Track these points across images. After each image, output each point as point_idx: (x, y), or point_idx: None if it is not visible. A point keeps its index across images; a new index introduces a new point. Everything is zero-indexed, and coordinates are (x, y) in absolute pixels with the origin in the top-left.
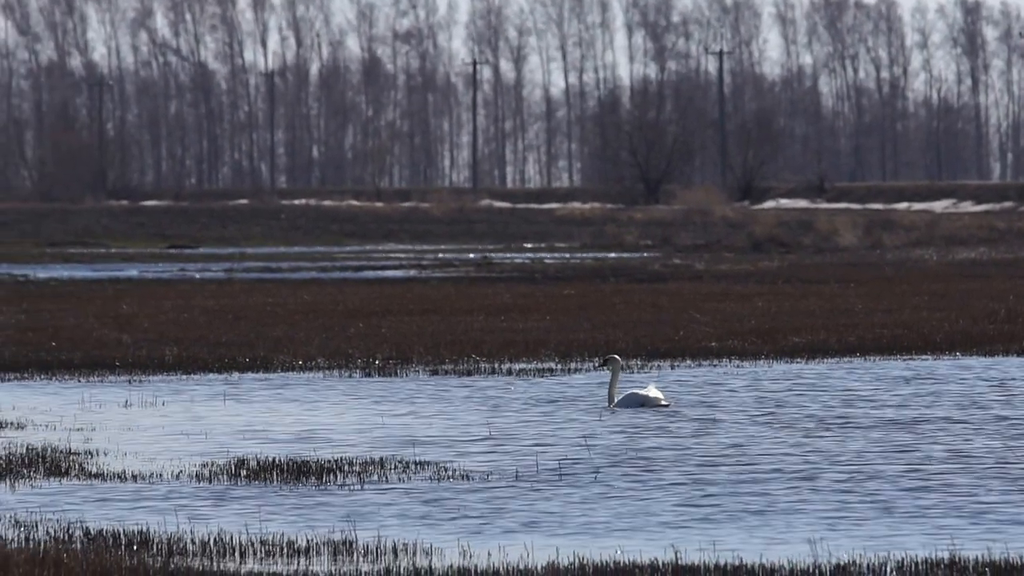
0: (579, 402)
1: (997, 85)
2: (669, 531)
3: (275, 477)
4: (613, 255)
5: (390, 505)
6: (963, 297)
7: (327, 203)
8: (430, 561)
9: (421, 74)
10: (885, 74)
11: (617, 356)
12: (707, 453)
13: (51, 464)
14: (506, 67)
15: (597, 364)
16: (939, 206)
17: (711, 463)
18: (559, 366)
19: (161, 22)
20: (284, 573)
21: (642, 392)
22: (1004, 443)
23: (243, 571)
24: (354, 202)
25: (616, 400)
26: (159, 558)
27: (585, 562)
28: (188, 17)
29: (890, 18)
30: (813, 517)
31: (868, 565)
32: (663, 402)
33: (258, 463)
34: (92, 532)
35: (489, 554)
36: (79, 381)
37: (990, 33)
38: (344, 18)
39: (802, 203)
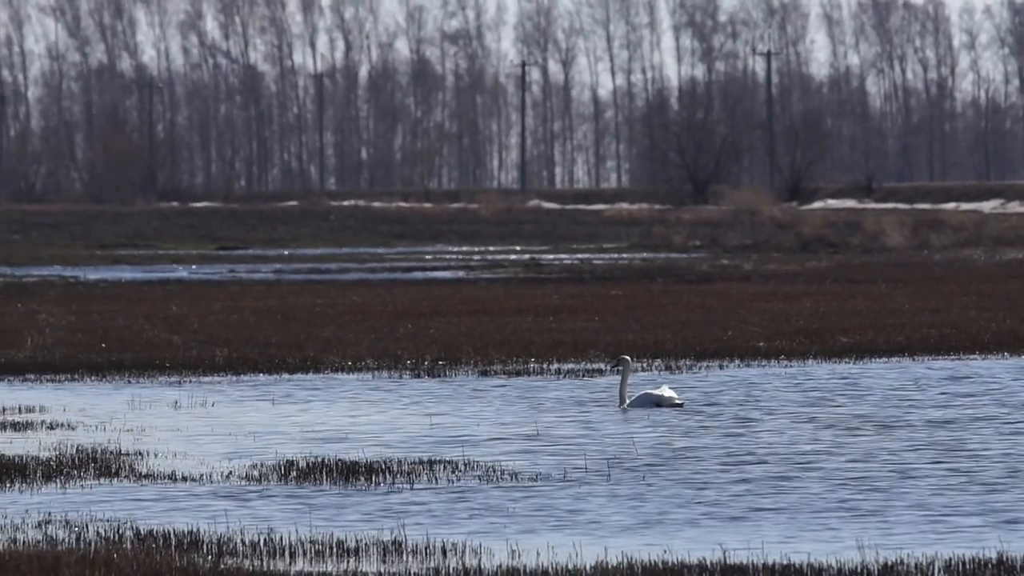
0: (664, 403)
1: None
2: (716, 530)
3: (324, 478)
4: (661, 256)
5: (439, 505)
6: (1011, 297)
7: (376, 204)
8: (479, 560)
9: (469, 75)
10: (933, 74)
11: (628, 357)
12: (752, 452)
13: (101, 465)
14: (554, 68)
15: (611, 366)
16: (987, 206)
17: (756, 462)
18: (608, 367)
19: (211, 24)
20: (334, 573)
21: (656, 392)
22: None
23: (293, 571)
24: (403, 203)
25: (630, 400)
26: (209, 558)
27: (633, 561)
28: (237, 19)
29: (937, 18)
30: (859, 516)
31: (916, 564)
32: (677, 401)
33: (307, 464)
34: (142, 533)
35: (538, 553)
36: (129, 382)
37: None
38: (393, 20)
39: (850, 203)
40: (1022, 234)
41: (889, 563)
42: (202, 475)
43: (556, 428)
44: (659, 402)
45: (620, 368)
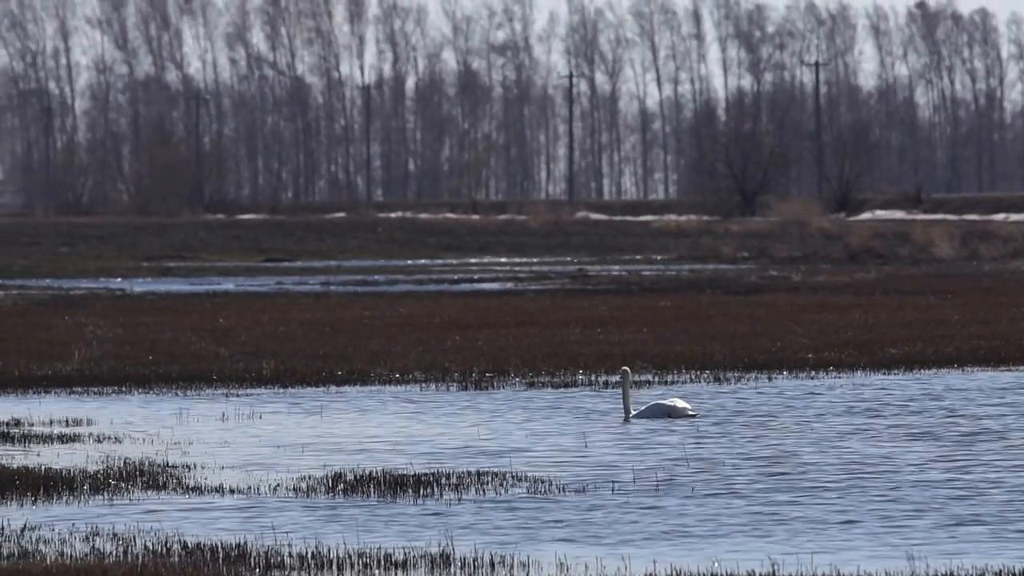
0: (675, 414)
1: None
2: (766, 542)
3: (372, 490)
4: (710, 267)
5: (487, 517)
6: None
7: (423, 216)
8: (527, 573)
9: (517, 86)
10: (981, 85)
11: (627, 368)
12: (802, 463)
13: (149, 478)
14: (601, 79)
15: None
16: None
17: (807, 473)
18: (656, 378)
19: (257, 36)
20: None
21: (667, 403)
22: None
23: None
24: (450, 215)
25: (637, 412)
26: (257, 571)
27: (682, 573)
28: (284, 31)
29: (986, 29)
30: (911, 527)
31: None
32: (690, 412)
33: (355, 476)
34: (190, 546)
35: (586, 566)
36: (176, 394)
37: None
38: (440, 31)
39: (898, 214)
40: None
41: (940, 574)
42: (250, 487)
43: (604, 440)
44: (670, 413)
45: (620, 380)
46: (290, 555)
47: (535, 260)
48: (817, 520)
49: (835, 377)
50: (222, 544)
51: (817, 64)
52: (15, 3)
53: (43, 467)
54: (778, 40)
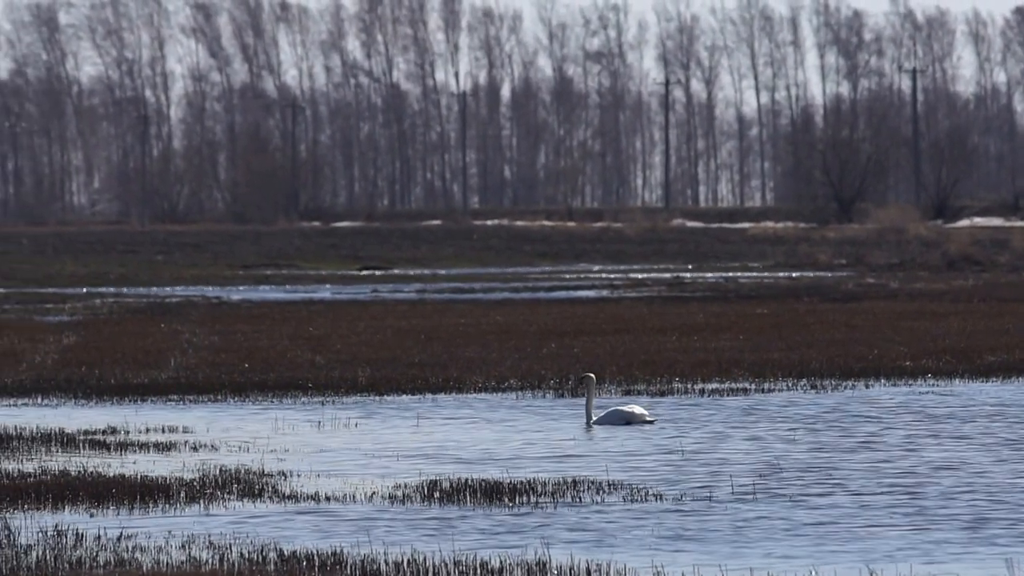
0: (772, 420)
1: None
2: (863, 549)
3: (468, 498)
4: (807, 274)
5: (583, 525)
6: None
7: (519, 223)
8: None
9: (612, 93)
10: None
11: (592, 374)
12: (902, 471)
13: (245, 486)
14: (697, 86)
15: (573, 383)
16: None
17: (908, 480)
18: (753, 385)
19: (352, 44)
20: None
21: (626, 409)
22: None
23: None
24: (546, 222)
25: (597, 417)
26: None
27: None
28: (379, 38)
29: None
30: (1009, 535)
31: None
32: (648, 418)
33: (451, 484)
34: (286, 554)
35: (683, 574)
36: (272, 402)
37: None
38: (535, 38)
39: (996, 221)
40: None
41: None
42: (345, 495)
43: (702, 447)
44: (628, 419)
45: (584, 386)
46: (386, 563)
47: (631, 267)
48: (926, 528)
49: (932, 384)
50: (318, 552)
51: (915, 70)
52: (111, 12)
53: (139, 475)
54: (876, 46)
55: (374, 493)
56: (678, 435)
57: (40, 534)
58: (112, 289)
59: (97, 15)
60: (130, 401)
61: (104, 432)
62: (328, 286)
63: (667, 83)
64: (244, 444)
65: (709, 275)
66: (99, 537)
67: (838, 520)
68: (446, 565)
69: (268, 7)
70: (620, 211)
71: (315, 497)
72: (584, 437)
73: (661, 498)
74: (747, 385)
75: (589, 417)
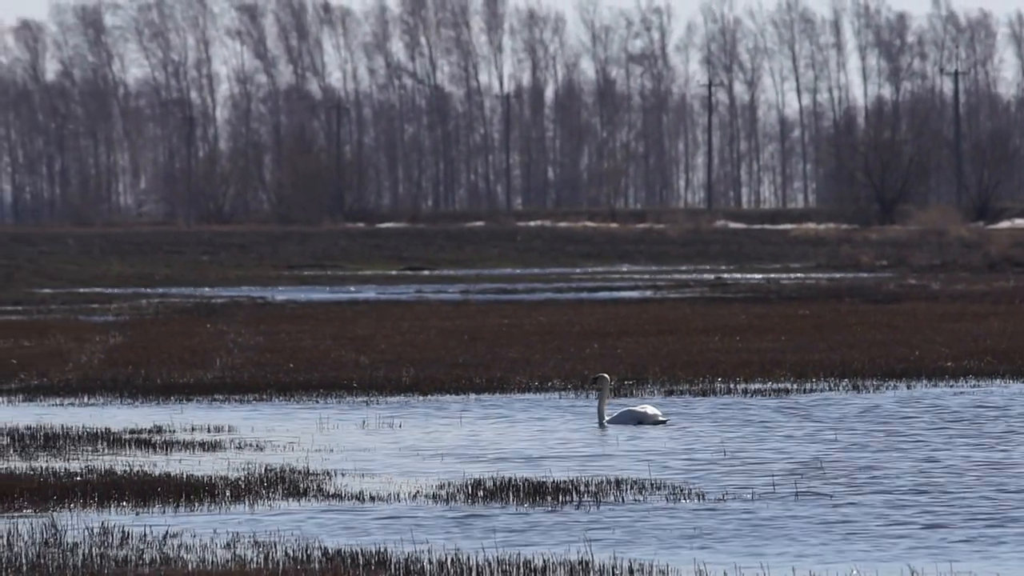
0: (814, 419)
1: None
2: (904, 550)
3: (511, 497)
4: (848, 275)
5: (625, 524)
6: None
7: (562, 224)
8: None
9: (655, 95)
10: None
11: (606, 375)
12: (947, 472)
13: (289, 485)
14: (740, 88)
15: (588, 384)
16: None
17: (955, 481)
18: (795, 386)
19: (396, 45)
20: None
21: (638, 409)
22: None
23: None
24: (589, 223)
25: (610, 417)
26: None
27: None
28: (423, 40)
29: None
30: None
31: None
32: (661, 418)
33: (494, 483)
34: (330, 552)
35: (725, 574)
36: (317, 402)
37: None
38: (578, 40)
39: None
40: None
41: None
42: (389, 495)
43: (742, 446)
44: (641, 419)
45: (598, 387)
46: (430, 562)
47: (674, 268)
48: (970, 530)
49: (973, 385)
50: (362, 551)
51: (957, 73)
52: (156, 14)
53: (185, 474)
54: (918, 49)
55: (418, 492)
56: (719, 434)
57: (87, 533)
58: (158, 289)
59: (143, 17)
60: (176, 401)
61: (150, 431)
62: (372, 287)
63: (710, 85)
64: (289, 443)
65: (751, 276)
66: (145, 536)
67: (879, 519)
68: (489, 564)
69: (312, 9)
70: (663, 212)
71: (359, 496)
72: (596, 437)
73: (703, 497)
74: (789, 385)
75: (602, 417)
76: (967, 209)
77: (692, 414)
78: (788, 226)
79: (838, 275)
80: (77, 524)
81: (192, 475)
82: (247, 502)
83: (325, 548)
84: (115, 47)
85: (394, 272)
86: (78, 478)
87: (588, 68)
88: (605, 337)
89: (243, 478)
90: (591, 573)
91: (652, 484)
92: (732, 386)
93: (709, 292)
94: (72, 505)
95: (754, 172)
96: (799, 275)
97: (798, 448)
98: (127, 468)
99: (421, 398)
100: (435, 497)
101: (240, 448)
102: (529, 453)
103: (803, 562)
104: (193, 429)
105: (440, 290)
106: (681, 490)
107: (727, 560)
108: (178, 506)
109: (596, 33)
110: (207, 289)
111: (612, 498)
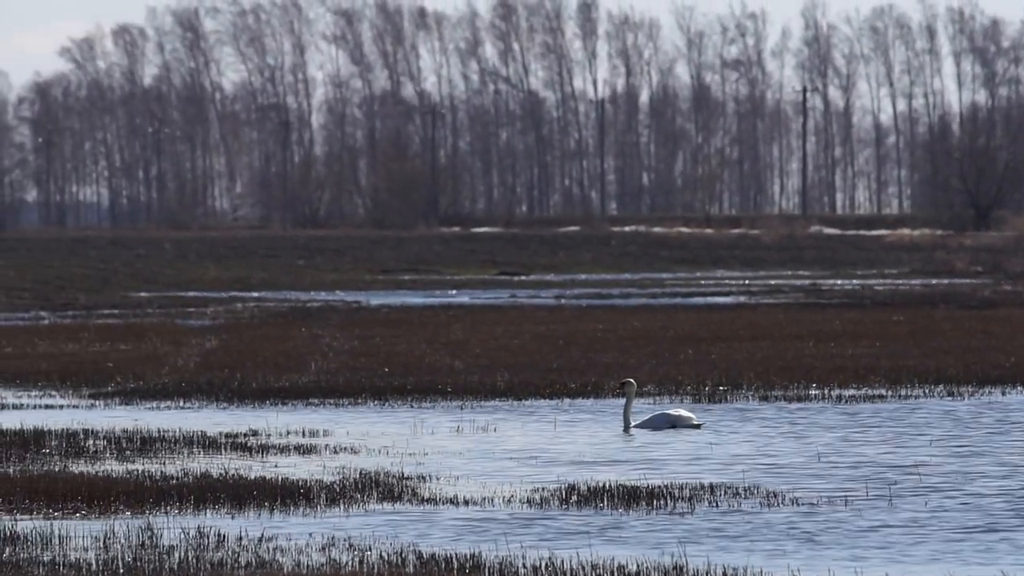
0: (915, 426)
1: None
2: (1000, 556)
3: (605, 502)
4: (943, 281)
5: (720, 529)
6: None
7: (657, 230)
8: None
9: (750, 101)
10: None
11: (632, 380)
12: None
13: (384, 489)
14: (835, 94)
15: (615, 389)
16: None
17: None
18: (889, 392)
19: (490, 51)
20: None
21: (673, 412)
22: None
23: None
24: (684, 229)
25: (638, 422)
26: None
27: None
28: (516, 46)
29: None
30: None
31: None
32: (695, 422)
33: (588, 488)
34: (425, 556)
35: None
36: (411, 406)
37: None
38: (673, 45)
39: None
40: None
41: None
42: (484, 499)
43: (838, 452)
44: (675, 423)
45: (625, 392)
46: (524, 566)
47: (768, 274)
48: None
49: None
50: (457, 555)
51: None
52: (253, 19)
53: (280, 478)
54: (1013, 54)
55: (512, 496)
56: (813, 439)
57: (182, 535)
58: (253, 293)
59: (240, 22)
60: (271, 404)
61: (245, 435)
62: (467, 291)
63: (805, 91)
64: (383, 447)
65: (846, 282)
66: (240, 538)
67: (974, 525)
68: (583, 568)
69: (408, 14)
70: (757, 218)
71: (454, 500)
72: (623, 441)
73: (797, 502)
74: (883, 391)
75: (627, 422)
76: None
77: (790, 418)
78: (883, 232)
79: (932, 281)
80: (173, 527)
81: (287, 478)
82: (342, 506)
83: (420, 552)
84: (212, 52)
85: (488, 277)
86: (174, 481)
87: (683, 73)
88: (699, 342)
89: (338, 482)
90: None
91: (746, 489)
92: (826, 392)
93: (803, 298)
94: (168, 508)
95: (848, 178)
96: (893, 281)
97: (897, 453)
98: (223, 471)
99: (515, 403)
100: (529, 501)
101: (335, 452)
102: (624, 457)
103: (897, 568)
104: (288, 433)
105: (534, 295)
106: (775, 495)
107: (821, 565)
108: (273, 509)
109: (691, 38)
110: (302, 293)
111: (706, 503)
